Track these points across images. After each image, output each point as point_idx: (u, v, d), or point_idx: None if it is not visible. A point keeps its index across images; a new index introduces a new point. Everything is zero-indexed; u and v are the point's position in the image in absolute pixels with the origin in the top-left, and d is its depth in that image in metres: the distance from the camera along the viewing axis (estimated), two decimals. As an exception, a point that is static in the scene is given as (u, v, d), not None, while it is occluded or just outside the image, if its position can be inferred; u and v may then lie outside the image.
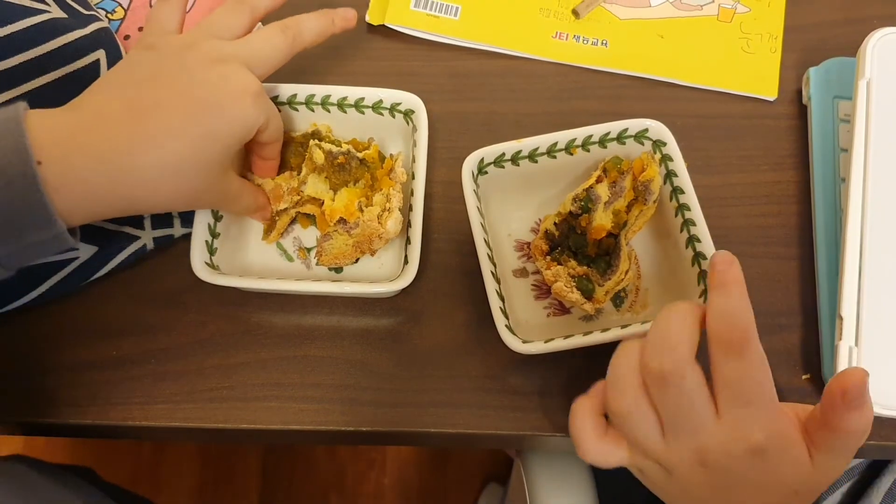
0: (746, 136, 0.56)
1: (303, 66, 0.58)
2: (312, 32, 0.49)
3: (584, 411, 0.41)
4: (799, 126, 0.57)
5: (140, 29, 0.57)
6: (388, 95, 0.51)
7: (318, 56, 0.58)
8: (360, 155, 0.51)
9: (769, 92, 0.57)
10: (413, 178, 0.49)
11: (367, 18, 0.58)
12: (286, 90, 0.51)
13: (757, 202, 0.55)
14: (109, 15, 0.57)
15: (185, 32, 0.46)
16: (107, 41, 0.51)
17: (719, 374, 0.37)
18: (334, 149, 0.50)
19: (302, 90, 0.51)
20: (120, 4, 0.58)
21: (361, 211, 0.48)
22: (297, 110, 0.52)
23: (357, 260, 0.51)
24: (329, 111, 0.52)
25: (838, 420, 0.36)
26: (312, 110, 0.52)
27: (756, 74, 0.57)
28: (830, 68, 0.55)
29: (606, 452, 0.40)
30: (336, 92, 0.51)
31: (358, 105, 0.51)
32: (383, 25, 0.58)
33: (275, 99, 0.51)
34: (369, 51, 0.58)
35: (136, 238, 0.51)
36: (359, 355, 0.50)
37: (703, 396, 0.37)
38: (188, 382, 0.49)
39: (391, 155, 0.52)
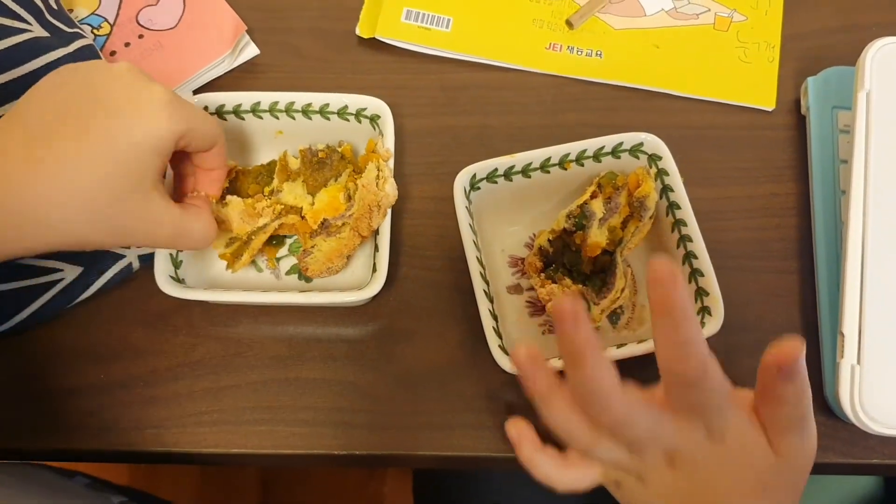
0: (744, 148, 0.55)
1: (290, 80, 0.57)
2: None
3: (530, 447, 0.41)
4: (797, 137, 0.56)
5: (127, 44, 0.56)
6: (353, 101, 0.50)
7: (306, 69, 0.58)
8: (340, 149, 0.50)
9: (767, 102, 0.56)
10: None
11: (358, 31, 0.57)
12: (249, 98, 0.50)
13: (755, 215, 0.54)
14: (95, 30, 0.56)
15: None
16: (91, 59, 0.50)
17: (677, 401, 0.36)
18: (314, 146, 0.49)
19: (265, 97, 0.50)
20: (105, 20, 0.57)
21: (350, 199, 0.47)
22: (261, 118, 0.51)
23: (348, 260, 0.50)
24: (294, 118, 0.51)
25: (778, 393, 0.36)
26: (277, 117, 0.51)
27: (753, 84, 0.56)
28: (829, 78, 0.54)
29: (579, 478, 0.41)
30: (300, 98, 0.50)
31: (323, 111, 0.51)
32: (374, 38, 0.57)
33: (238, 107, 0.50)
34: (360, 64, 0.58)
35: (122, 257, 0.50)
36: (351, 377, 0.49)
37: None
38: (178, 406, 0.48)
39: (370, 138, 0.51)
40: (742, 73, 0.57)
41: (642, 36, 0.58)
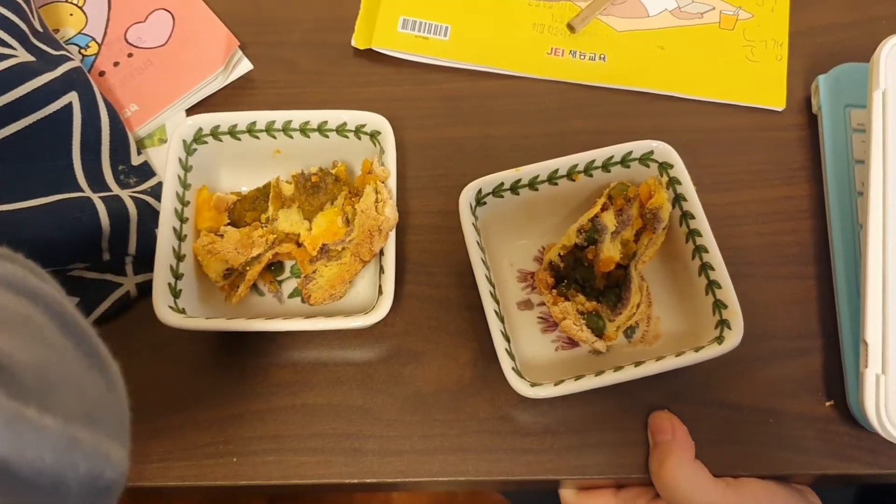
0: (755, 150, 0.54)
1: (286, 95, 0.55)
2: None
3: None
4: (809, 137, 0.54)
5: (116, 64, 0.55)
6: (352, 117, 0.49)
7: (302, 83, 0.56)
8: (333, 171, 0.48)
9: (777, 102, 0.55)
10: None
11: (353, 42, 0.56)
12: (245, 118, 0.49)
13: (769, 219, 0.52)
14: (83, 50, 0.55)
15: None
16: (79, 82, 0.49)
17: None
18: (306, 170, 0.48)
19: (261, 117, 0.49)
20: (93, 39, 0.55)
21: (348, 223, 0.46)
22: (258, 138, 0.49)
23: (350, 285, 0.48)
24: (292, 137, 0.49)
25: None
26: (274, 137, 0.49)
27: (762, 84, 0.55)
28: (840, 75, 0.53)
29: None
30: (297, 116, 0.49)
31: (321, 129, 0.49)
32: (370, 49, 0.55)
33: (233, 128, 0.49)
34: (356, 77, 0.56)
35: (119, 285, 0.49)
36: (359, 401, 0.48)
37: None
38: (182, 439, 0.47)
39: (365, 159, 0.49)
40: (750, 72, 0.55)
41: (646, 37, 0.56)
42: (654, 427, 0.45)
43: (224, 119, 0.48)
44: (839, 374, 0.48)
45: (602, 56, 0.56)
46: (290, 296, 0.49)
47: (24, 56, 0.47)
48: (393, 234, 0.46)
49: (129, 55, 0.55)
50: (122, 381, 0.29)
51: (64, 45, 0.52)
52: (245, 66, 0.56)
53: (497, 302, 0.44)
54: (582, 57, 0.56)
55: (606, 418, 0.47)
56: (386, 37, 0.55)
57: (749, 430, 0.47)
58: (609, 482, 0.48)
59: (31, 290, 0.26)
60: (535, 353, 0.48)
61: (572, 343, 0.48)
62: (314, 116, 0.48)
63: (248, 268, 0.47)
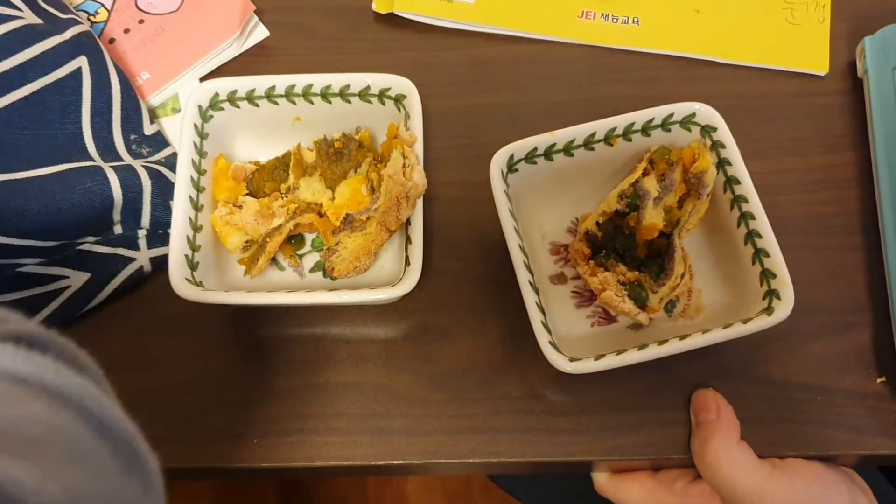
0: (797, 117, 0.51)
1: (303, 63, 0.53)
2: None
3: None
4: (854, 102, 0.51)
5: (126, 31, 0.52)
6: (376, 81, 0.46)
7: (320, 50, 0.54)
8: (357, 137, 0.46)
9: (819, 66, 0.52)
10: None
11: (374, 7, 0.53)
12: (263, 82, 0.46)
13: (813, 188, 0.50)
14: (91, 17, 0.52)
15: None
16: (89, 47, 0.46)
17: None
18: (328, 136, 0.45)
19: (281, 81, 0.46)
20: (102, 5, 0.53)
21: (373, 191, 0.43)
22: (276, 104, 0.47)
23: (375, 256, 0.46)
24: (312, 102, 0.47)
25: None
26: (294, 102, 0.47)
27: (804, 47, 0.52)
28: (888, 36, 0.50)
29: None
30: (318, 80, 0.46)
31: (343, 94, 0.46)
32: (392, 14, 0.53)
33: (251, 93, 0.46)
34: (378, 42, 0.54)
35: (132, 260, 0.46)
36: (385, 379, 0.45)
37: None
38: (199, 419, 0.44)
39: (391, 123, 0.47)
40: (791, 35, 0.53)
41: None
42: (698, 405, 0.43)
43: (241, 84, 0.46)
44: (891, 349, 0.45)
45: (635, 19, 0.53)
46: (311, 270, 0.47)
47: (30, 18, 0.45)
48: (420, 203, 0.43)
49: (140, 21, 0.52)
50: (160, 476, 0.28)
51: (73, 9, 0.50)
52: (261, 32, 0.53)
53: (531, 274, 0.42)
54: (614, 20, 0.53)
55: (644, 396, 0.45)
56: (409, 0, 0.53)
57: (795, 407, 0.45)
58: (646, 464, 0.45)
59: (65, 391, 0.25)
60: (570, 329, 0.45)
61: (609, 318, 0.45)
62: (336, 80, 0.46)
63: (268, 239, 0.44)
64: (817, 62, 0.52)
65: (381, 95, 0.46)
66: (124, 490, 0.25)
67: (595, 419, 0.44)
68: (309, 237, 0.48)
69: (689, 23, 0.53)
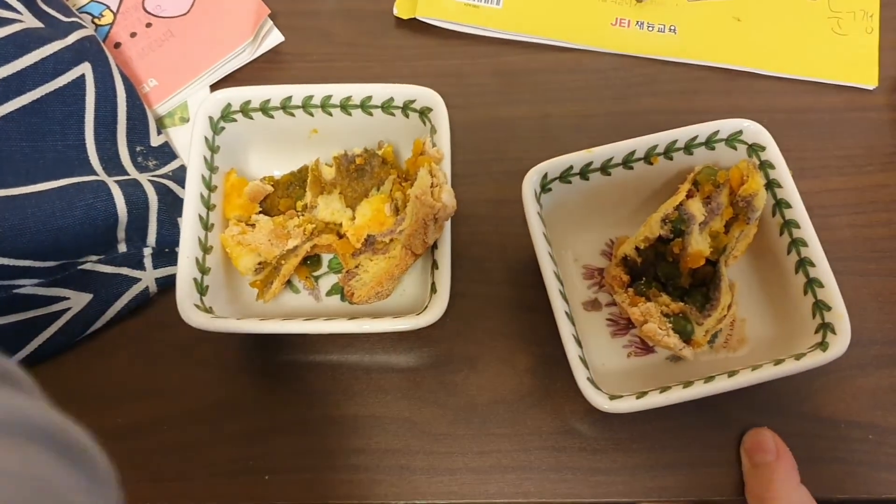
0: (845, 133, 0.48)
1: (320, 70, 0.50)
2: None
3: None
4: (906, 118, 0.49)
5: (133, 35, 0.49)
6: (399, 92, 0.43)
7: (338, 57, 0.51)
8: (380, 153, 0.43)
9: (868, 79, 0.49)
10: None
11: (395, 11, 0.51)
12: (279, 92, 0.43)
13: (863, 210, 0.47)
14: (96, 20, 0.49)
15: None
16: (93, 52, 0.44)
17: None
18: (349, 151, 0.42)
19: (298, 91, 0.43)
20: (108, 7, 0.50)
21: (397, 211, 0.40)
22: (293, 115, 0.44)
23: (398, 281, 0.42)
24: (331, 114, 0.44)
25: None
26: (311, 114, 0.44)
27: (851, 59, 0.49)
28: (943, 48, 0.47)
29: None
30: (338, 91, 0.43)
31: (364, 105, 0.44)
32: (414, 19, 0.50)
33: (266, 104, 0.43)
34: (399, 49, 0.51)
35: (137, 280, 0.44)
36: (406, 412, 0.42)
37: None
38: (206, 454, 0.42)
39: (417, 139, 0.44)
40: (837, 46, 0.50)
41: (720, 7, 0.51)
42: (754, 445, 0.40)
43: (255, 94, 0.43)
44: (948, 385, 0.42)
45: (672, 28, 0.50)
46: (328, 293, 0.44)
47: (30, 21, 0.42)
48: (448, 225, 0.40)
49: (148, 25, 0.50)
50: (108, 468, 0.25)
51: (76, 12, 0.47)
52: (275, 37, 0.50)
53: (567, 302, 0.39)
54: (650, 28, 0.50)
55: (686, 434, 0.42)
56: (432, 5, 0.50)
57: (846, 447, 0.42)
58: (686, 506, 0.42)
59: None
60: (605, 360, 0.42)
61: (646, 348, 0.42)
62: (357, 91, 0.43)
63: (282, 262, 0.41)
64: (866, 75, 0.49)
65: (406, 108, 0.43)
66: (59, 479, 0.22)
67: (632, 457, 0.41)
68: (326, 257, 0.45)
69: (729, 32, 0.50)
